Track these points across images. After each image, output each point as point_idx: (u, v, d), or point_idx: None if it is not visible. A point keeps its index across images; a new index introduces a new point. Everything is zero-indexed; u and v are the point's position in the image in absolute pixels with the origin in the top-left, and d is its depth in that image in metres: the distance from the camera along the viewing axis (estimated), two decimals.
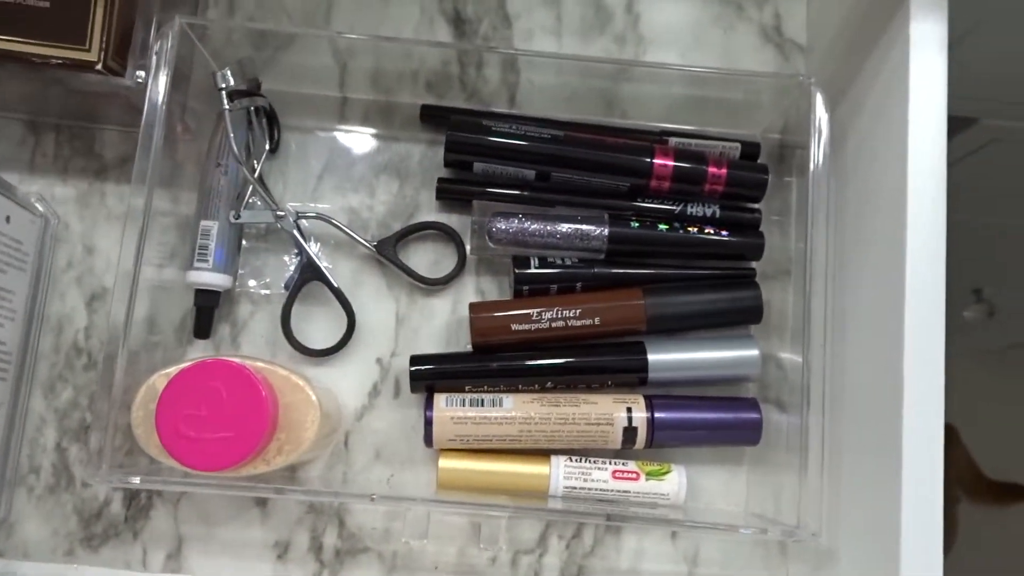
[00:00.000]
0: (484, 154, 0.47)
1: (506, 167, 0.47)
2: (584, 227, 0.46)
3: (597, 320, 0.46)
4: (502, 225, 0.46)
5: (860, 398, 0.42)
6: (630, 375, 0.46)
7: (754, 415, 0.45)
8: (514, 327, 0.45)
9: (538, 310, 0.45)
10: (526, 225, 0.46)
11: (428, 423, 0.44)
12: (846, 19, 0.48)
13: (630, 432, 0.44)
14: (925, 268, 0.39)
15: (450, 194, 0.49)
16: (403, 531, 0.43)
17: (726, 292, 0.47)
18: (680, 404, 0.46)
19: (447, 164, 0.48)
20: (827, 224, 0.44)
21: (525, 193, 0.48)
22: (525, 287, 0.47)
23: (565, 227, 0.46)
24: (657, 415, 0.45)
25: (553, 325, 0.45)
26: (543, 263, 0.47)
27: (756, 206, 0.49)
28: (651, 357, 0.46)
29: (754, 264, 0.49)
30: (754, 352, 0.46)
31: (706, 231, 0.47)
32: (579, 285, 0.47)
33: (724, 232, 0.47)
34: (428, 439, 0.45)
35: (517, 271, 0.46)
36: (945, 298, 0.39)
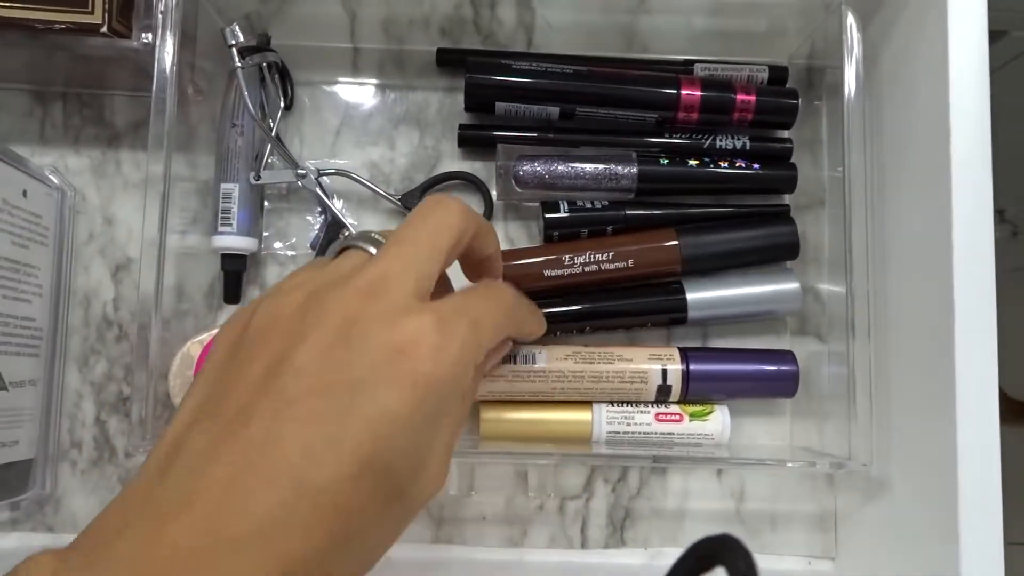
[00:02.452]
0: (505, 95, 0.45)
1: (529, 107, 0.46)
2: (612, 167, 0.45)
3: (631, 263, 0.45)
4: (528, 168, 0.45)
5: (907, 325, 0.42)
6: (669, 316, 0.45)
7: (791, 367, 0.44)
8: (546, 273, 0.45)
9: (570, 255, 0.45)
10: (553, 167, 0.45)
11: None
12: None
13: (664, 389, 0.44)
14: (971, 187, 0.38)
15: (473, 140, 0.47)
16: (450, 484, 0.42)
17: (761, 229, 0.46)
18: (715, 357, 0.45)
19: (468, 107, 0.47)
20: (864, 149, 0.42)
21: (550, 135, 0.47)
22: (555, 232, 0.46)
23: (592, 167, 0.45)
24: (692, 368, 0.44)
25: (586, 270, 0.45)
26: (572, 207, 0.45)
27: (787, 135, 0.47)
28: (690, 296, 0.45)
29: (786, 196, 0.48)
30: (794, 285, 0.45)
31: (737, 164, 0.46)
32: (610, 229, 0.46)
33: (756, 165, 0.46)
34: None
35: (547, 216, 0.45)
36: None
